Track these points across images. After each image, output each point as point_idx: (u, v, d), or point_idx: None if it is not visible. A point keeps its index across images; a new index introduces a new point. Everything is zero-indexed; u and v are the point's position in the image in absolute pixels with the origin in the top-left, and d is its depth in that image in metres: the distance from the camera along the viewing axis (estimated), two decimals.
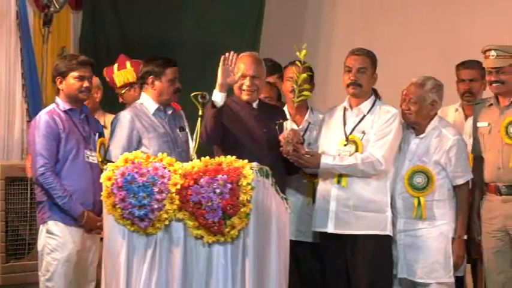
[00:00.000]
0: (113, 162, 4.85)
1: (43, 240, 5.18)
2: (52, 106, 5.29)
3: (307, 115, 5.65)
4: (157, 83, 5.37)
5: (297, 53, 5.22)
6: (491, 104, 5.30)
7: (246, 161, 4.56)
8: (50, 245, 5.14)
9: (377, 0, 8.24)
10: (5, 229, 6.37)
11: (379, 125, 5.25)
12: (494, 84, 5.22)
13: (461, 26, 7.71)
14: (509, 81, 5.17)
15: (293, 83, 5.30)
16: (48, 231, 5.16)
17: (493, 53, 5.20)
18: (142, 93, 5.44)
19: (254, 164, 4.57)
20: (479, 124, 5.36)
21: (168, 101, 5.42)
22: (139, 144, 5.27)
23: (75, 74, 5.22)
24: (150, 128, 5.33)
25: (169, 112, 5.44)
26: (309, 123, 5.63)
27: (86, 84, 5.24)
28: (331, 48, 7.98)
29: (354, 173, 5.20)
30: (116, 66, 6.22)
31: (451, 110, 6.08)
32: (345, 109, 5.39)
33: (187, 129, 5.56)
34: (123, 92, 6.14)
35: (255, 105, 5.25)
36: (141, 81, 5.46)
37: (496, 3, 7.60)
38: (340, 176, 5.23)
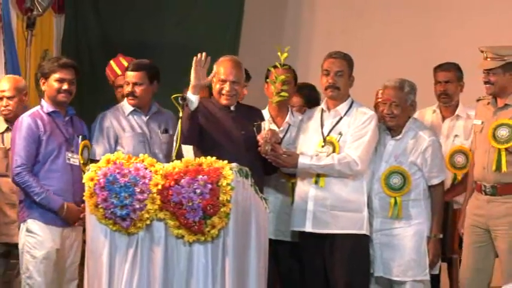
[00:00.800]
0: (97, 160, 4.93)
1: (23, 239, 5.21)
2: (36, 108, 5.33)
3: (287, 117, 5.67)
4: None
5: (279, 54, 5.29)
6: (489, 103, 5.29)
7: (225, 161, 4.60)
8: (30, 243, 5.17)
9: (356, 4, 8.26)
10: None
11: (356, 126, 5.29)
12: (486, 85, 5.22)
13: (439, 29, 7.76)
14: (498, 82, 5.15)
15: (271, 83, 5.39)
16: (28, 230, 5.19)
17: (484, 54, 5.20)
18: None
19: (234, 164, 4.61)
20: (474, 121, 5.39)
21: (132, 104, 5.49)
22: (116, 143, 5.40)
23: (56, 76, 5.26)
24: (127, 127, 5.45)
25: (151, 113, 5.52)
26: (289, 125, 5.65)
27: (65, 86, 5.27)
28: (311, 51, 7.97)
29: (331, 173, 5.24)
30: (121, 59, 6.29)
31: (429, 112, 6.13)
32: (322, 111, 5.42)
33: (171, 131, 5.58)
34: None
35: (232, 107, 5.28)
36: None
37: (473, 7, 7.67)
38: (318, 176, 5.27)
